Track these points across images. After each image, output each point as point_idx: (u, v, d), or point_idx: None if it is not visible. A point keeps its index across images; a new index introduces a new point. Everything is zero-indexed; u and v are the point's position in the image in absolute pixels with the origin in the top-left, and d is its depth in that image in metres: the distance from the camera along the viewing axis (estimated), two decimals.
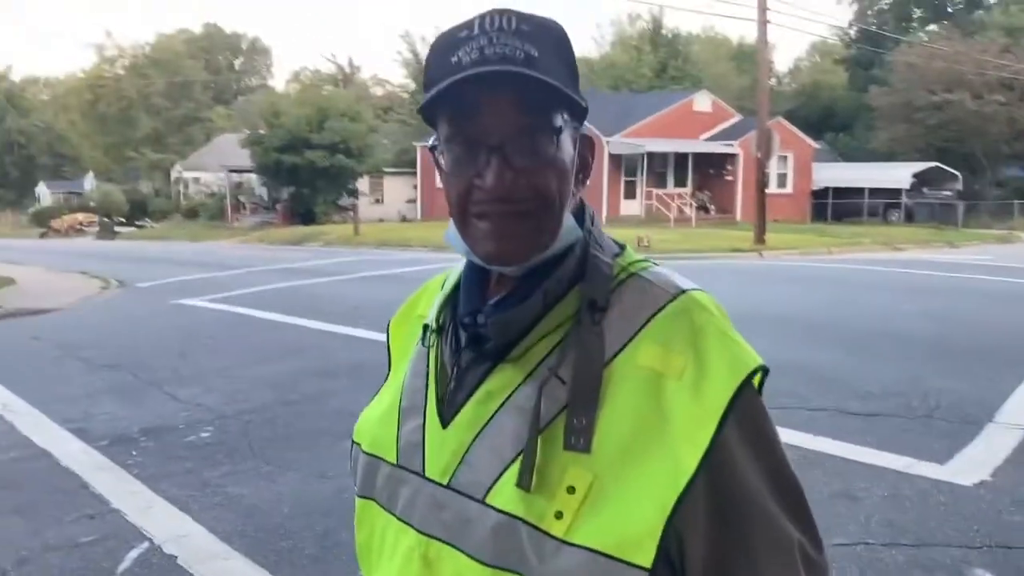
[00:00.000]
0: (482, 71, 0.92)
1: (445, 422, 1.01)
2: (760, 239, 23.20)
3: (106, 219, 43.50)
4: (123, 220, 47.23)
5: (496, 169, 0.94)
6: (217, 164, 48.30)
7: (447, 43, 0.97)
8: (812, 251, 22.68)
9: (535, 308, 0.99)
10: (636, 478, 0.89)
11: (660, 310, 0.97)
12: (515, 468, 0.92)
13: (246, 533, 4.41)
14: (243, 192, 46.99)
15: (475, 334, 1.01)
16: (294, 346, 9.26)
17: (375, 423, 1.13)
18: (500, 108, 0.94)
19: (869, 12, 53.92)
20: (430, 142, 1.01)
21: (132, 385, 7.65)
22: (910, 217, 36.30)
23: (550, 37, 0.97)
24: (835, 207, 38.53)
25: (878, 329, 9.76)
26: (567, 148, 0.98)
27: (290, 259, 21.65)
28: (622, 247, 1.08)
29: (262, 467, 5.38)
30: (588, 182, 1.07)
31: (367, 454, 1.11)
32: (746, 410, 0.94)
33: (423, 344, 1.10)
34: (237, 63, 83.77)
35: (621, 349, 0.95)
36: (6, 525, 4.56)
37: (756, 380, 0.96)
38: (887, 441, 5.64)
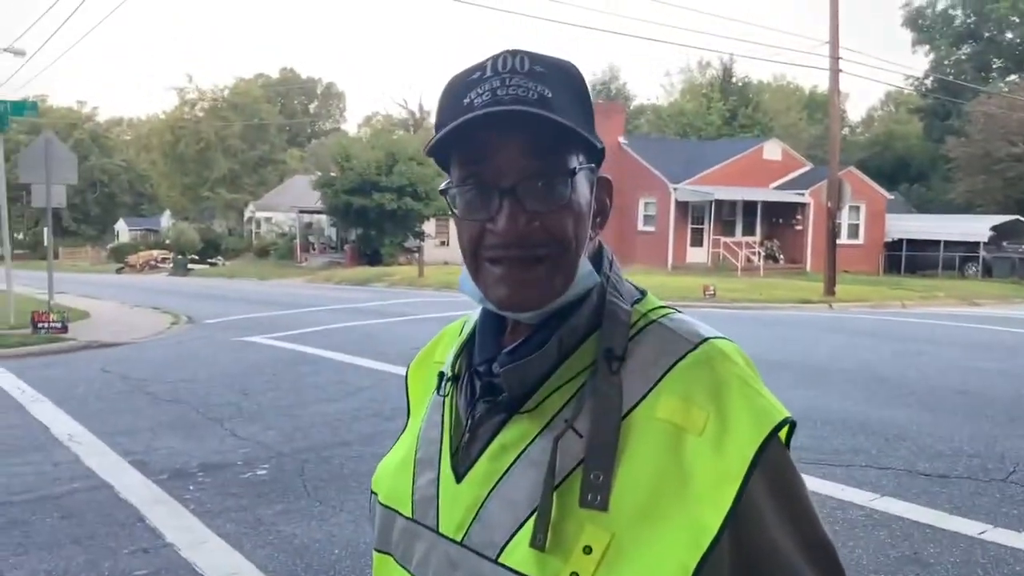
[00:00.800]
0: (491, 111, 0.90)
1: (459, 476, 0.97)
2: (830, 290, 22.71)
3: (180, 256, 44.72)
4: (196, 257, 48.54)
5: (508, 213, 0.91)
6: (289, 205, 49.49)
7: (459, 85, 0.95)
8: (884, 304, 22.09)
9: (550, 357, 0.95)
10: (656, 538, 0.85)
11: (680, 359, 0.93)
12: (529, 526, 0.88)
13: (296, 573, 4.39)
14: (313, 232, 47.98)
15: (489, 384, 0.98)
16: (354, 386, 9.31)
17: (392, 474, 1.10)
18: (512, 150, 0.91)
19: (946, 62, 52.99)
20: (442, 185, 0.99)
21: (194, 420, 7.76)
22: (988, 271, 35.14)
23: (564, 78, 0.95)
24: (909, 259, 37.60)
25: (952, 386, 9.41)
26: (583, 191, 0.96)
27: (355, 299, 21.92)
28: (643, 293, 1.04)
29: (315, 507, 5.37)
30: (605, 225, 1.04)
31: (383, 506, 1.08)
32: (772, 466, 0.89)
33: (439, 393, 1.07)
34: (312, 107, 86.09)
35: (640, 401, 0.91)
36: (66, 556, 4.62)
37: (783, 434, 0.92)
38: (959, 505, 5.38)
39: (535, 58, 0.94)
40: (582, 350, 0.96)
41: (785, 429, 0.92)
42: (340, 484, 5.83)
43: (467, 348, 1.07)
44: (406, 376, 1.22)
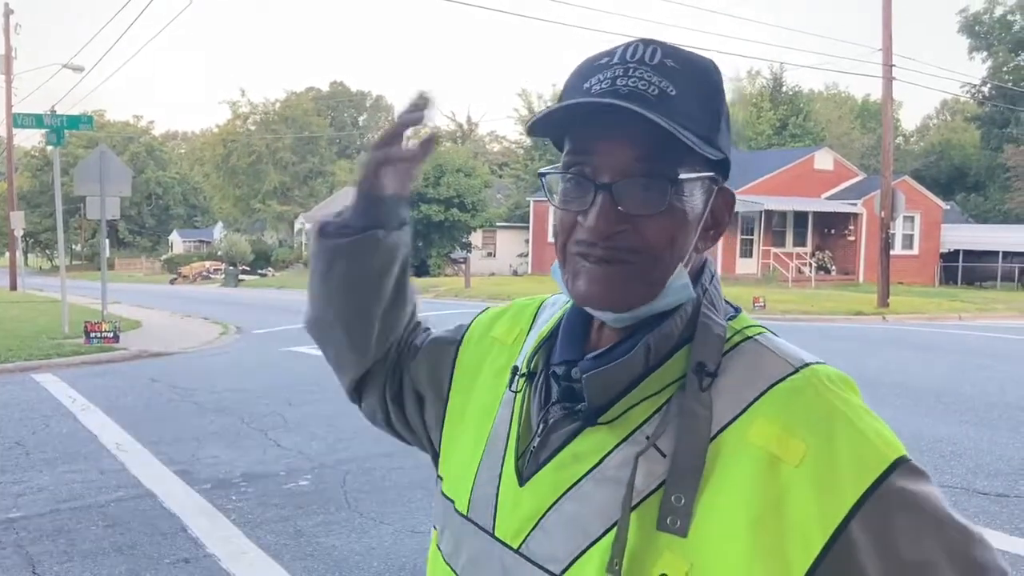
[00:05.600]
0: (589, 101, 0.84)
1: (523, 480, 0.91)
2: (884, 302, 22.24)
3: (231, 267, 45.43)
4: (247, 268, 49.26)
5: (600, 210, 0.85)
6: None
7: (587, 68, 0.90)
8: (940, 316, 21.56)
9: (636, 365, 0.88)
10: (737, 571, 0.78)
11: (778, 382, 0.85)
12: (601, 547, 0.82)
13: None
14: None
15: (569, 388, 0.92)
16: None
17: (457, 464, 1.04)
18: (617, 146, 0.85)
19: (1004, 69, 51.72)
20: (544, 168, 0.94)
21: (239, 430, 7.80)
22: None
23: (697, 77, 0.88)
24: (966, 271, 36.78)
25: (1012, 402, 9.10)
26: (692, 201, 0.88)
27: None
28: (737, 310, 0.96)
29: (356, 519, 5.34)
30: (719, 240, 0.96)
31: (443, 494, 1.03)
32: (882, 510, 0.79)
33: (510, 389, 1.00)
34: (361, 119, 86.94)
35: (731, 422, 0.84)
36: (108, 564, 4.65)
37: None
38: (1021, 525, 5.17)
39: (668, 51, 0.88)
40: (671, 363, 0.89)
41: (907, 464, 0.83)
42: (381, 496, 5.79)
43: (545, 345, 1.00)
44: (459, 341, 1.16)
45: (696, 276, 0.93)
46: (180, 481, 6.18)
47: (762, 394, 0.85)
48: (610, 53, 0.89)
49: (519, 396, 0.99)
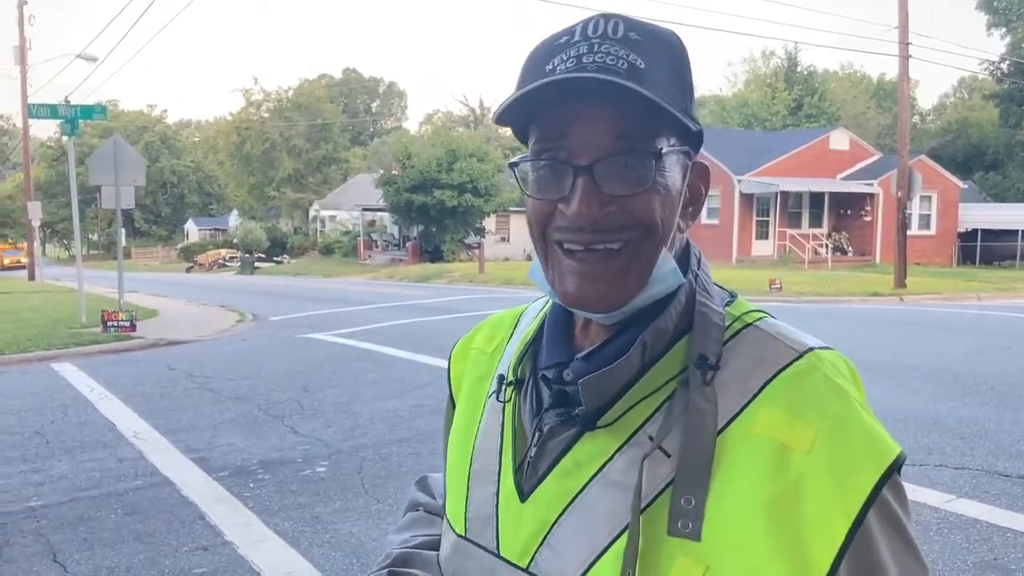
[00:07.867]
0: (569, 77, 0.79)
1: (524, 495, 0.87)
2: (901, 283, 22.08)
3: (247, 255, 45.56)
4: (263, 256, 49.39)
5: (582, 194, 0.81)
6: (352, 203, 50.10)
7: (545, 50, 0.85)
8: (958, 297, 21.38)
9: (633, 365, 0.84)
10: (756, 571, 0.74)
11: (783, 369, 0.82)
12: (611, 556, 0.79)
13: (352, 572, 4.36)
14: (376, 230, 48.46)
15: (561, 392, 0.87)
16: (413, 382, 9.30)
17: (448, 483, 1.00)
18: (593, 125, 0.81)
19: (1023, 45, 51.09)
20: (515, 158, 0.89)
21: (256, 417, 7.82)
22: None
23: (663, 49, 0.84)
24: (984, 250, 36.43)
25: None
26: (672, 176, 0.84)
27: (416, 296, 22.02)
28: (732, 295, 0.92)
29: (373, 505, 5.35)
30: (697, 217, 0.93)
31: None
32: (888, 502, 0.77)
33: (498, 399, 0.96)
34: (374, 106, 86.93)
35: (737, 415, 0.80)
36: (127, 552, 4.67)
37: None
38: None
39: (631, 24, 0.84)
40: (668, 357, 0.85)
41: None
42: (398, 482, 5.80)
43: (530, 350, 0.96)
44: (448, 362, 1.13)
45: (682, 261, 0.89)
46: (198, 469, 6.20)
47: (767, 383, 0.81)
48: (569, 31, 0.84)
49: (508, 406, 0.94)
